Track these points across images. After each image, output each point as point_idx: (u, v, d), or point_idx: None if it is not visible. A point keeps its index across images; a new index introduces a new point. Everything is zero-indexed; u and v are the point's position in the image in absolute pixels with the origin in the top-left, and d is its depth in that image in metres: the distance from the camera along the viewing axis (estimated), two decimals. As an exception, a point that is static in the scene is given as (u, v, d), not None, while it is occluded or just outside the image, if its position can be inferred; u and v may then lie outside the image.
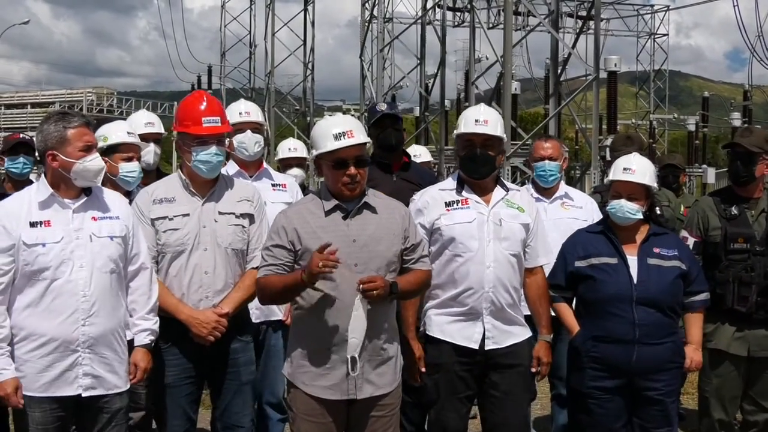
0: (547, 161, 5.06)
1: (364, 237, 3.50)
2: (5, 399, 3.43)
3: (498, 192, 4.04)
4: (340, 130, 3.49)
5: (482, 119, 3.98)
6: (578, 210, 5.05)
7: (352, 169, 3.48)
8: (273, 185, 4.77)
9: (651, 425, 4.12)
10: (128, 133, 4.54)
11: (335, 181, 3.51)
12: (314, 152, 3.57)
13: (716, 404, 4.61)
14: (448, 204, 4.00)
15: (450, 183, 4.10)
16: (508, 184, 4.16)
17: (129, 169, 4.39)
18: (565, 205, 5.17)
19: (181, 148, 3.94)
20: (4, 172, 5.21)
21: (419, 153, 7.90)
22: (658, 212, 5.06)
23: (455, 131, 4.12)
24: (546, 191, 5.20)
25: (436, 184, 4.33)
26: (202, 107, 3.90)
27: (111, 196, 3.72)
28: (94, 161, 3.51)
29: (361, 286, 3.36)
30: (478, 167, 3.99)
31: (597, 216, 5.04)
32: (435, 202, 4.02)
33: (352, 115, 7.57)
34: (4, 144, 5.19)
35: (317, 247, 3.38)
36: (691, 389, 6.18)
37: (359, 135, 3.52)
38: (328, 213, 3.53)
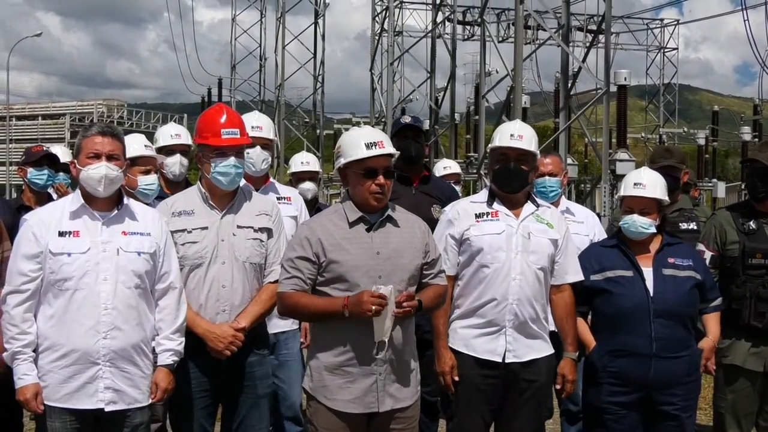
0: (547, 177, 5.04)
1: (387, 250, 3.52)
2: (25, 404, 3.45)
3: (528, 207, 4.07)
4: (372, 140, 3.53)
5: (517, 134, 4.02)
6: (579, 225, 5.03)
7: (381, 179, 3.50)
8: (278, 198, 4.77)
9: (667, 441, 4.10)
10: (145, 146, 4.60)
11: (363, 190, 3.52)
12: (342, 161, 3.57)
13: (731, 420, 4.57)
14: (478, 215, 4.03)
15: (482, 196, 4.15)
16: (539, 201, 4.18)
17: (147, 182, 4.46)
18: (567, 220, 5.17)
19: (200, 159, 3.95)
20: (23, 183, 5.25)
21: (449, 165, 7.91)
22: (695, 227, 5.04)
23: (490, 144, 4.16)
24: None
25: (468, 197, 4.38)
26: (222, 119, 3.92)
27: (145, 212, 3.72)
28: (96, 169, 3.49)
29: (403, 304, 3.39)
30: (510, 181, 4.02)
31: (599, 230, 5.07)
32: (465, 214, 4.05)
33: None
34: (28, 155, 5.23)
35: (342, 258, 3.43)
36: (704, 405, 6.14)
37: (388, 146, 3.56)
38: (352, 224, 3.53)
